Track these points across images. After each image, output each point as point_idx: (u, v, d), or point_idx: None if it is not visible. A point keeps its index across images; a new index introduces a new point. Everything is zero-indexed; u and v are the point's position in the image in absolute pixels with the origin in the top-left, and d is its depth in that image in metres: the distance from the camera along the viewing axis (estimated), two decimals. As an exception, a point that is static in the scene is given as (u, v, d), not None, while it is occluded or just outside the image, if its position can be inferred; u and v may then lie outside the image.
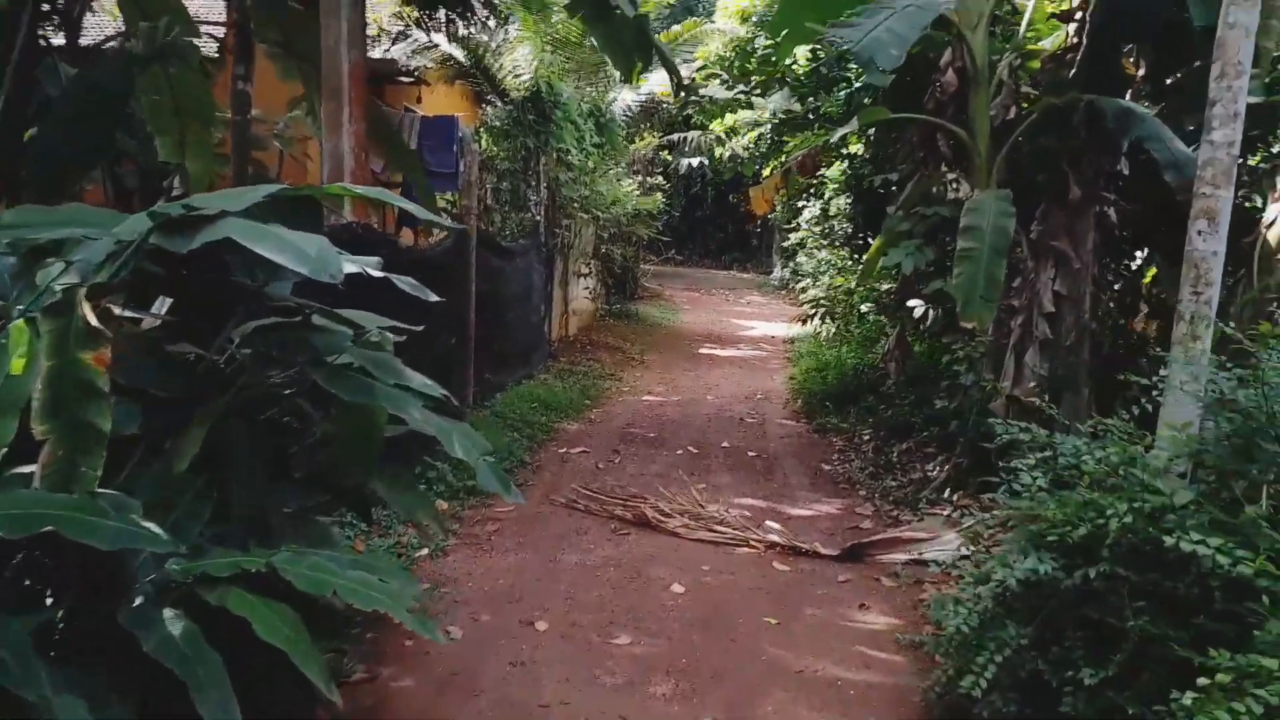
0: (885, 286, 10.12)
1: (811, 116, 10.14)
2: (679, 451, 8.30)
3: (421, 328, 4.02)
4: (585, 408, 10.03)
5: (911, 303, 7.25)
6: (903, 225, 6.99)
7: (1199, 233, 4.84)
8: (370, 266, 3.26)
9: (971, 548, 5.63)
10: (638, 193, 15.20)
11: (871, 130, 9.59)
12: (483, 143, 12.85)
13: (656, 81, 17.07)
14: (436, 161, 12.69)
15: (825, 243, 17.52)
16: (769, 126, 17.16)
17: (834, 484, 7.46)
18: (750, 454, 8.33)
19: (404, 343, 3.82)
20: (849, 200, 10.99)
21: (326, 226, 5.84)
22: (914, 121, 7.46)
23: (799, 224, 18.39)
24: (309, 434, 3.74)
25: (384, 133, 8.72)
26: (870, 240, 8.99)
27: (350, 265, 3.13)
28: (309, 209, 3.81)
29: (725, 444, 8.67)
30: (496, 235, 12.27)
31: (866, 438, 8.64)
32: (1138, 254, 7.85)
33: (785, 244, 20.72)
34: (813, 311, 15.75)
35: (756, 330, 18.35)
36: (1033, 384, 6.55)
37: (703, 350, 15.30)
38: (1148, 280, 7.84)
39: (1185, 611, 3.21)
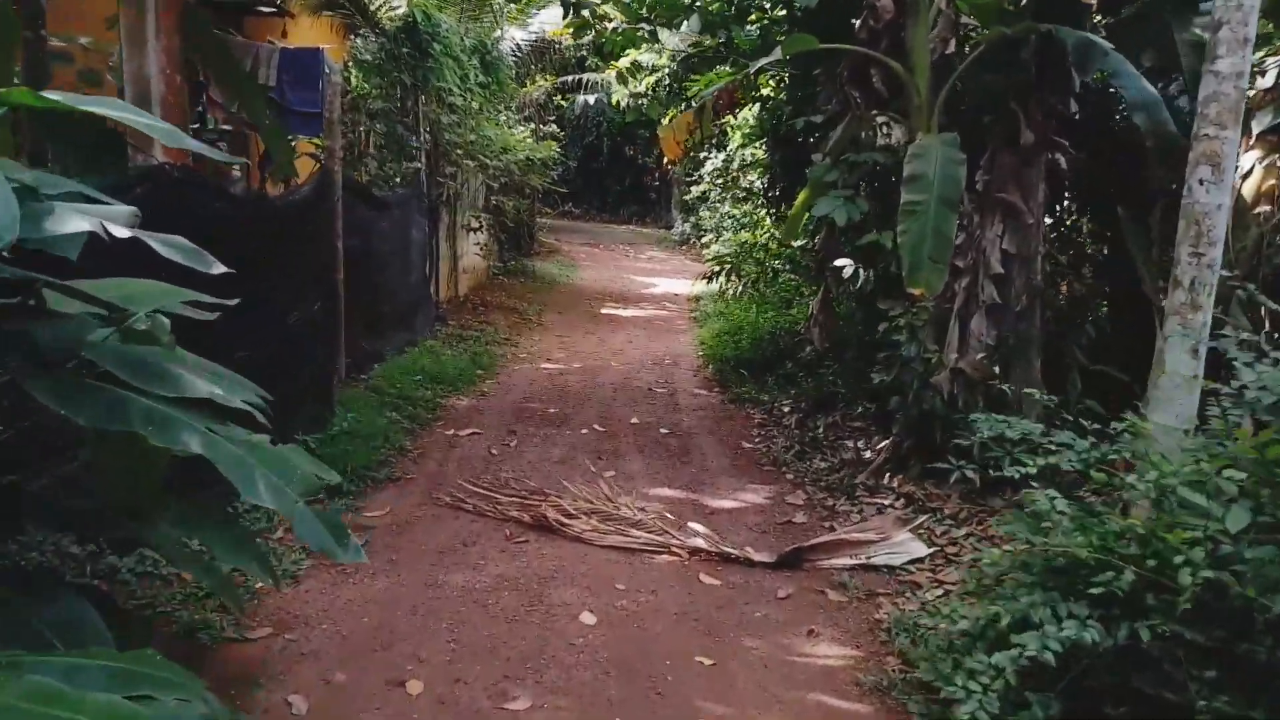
0: (800, 243, 9.26)
1: (724, 50, 9.11)
2: (583, 431, 7.30)
3: (236, 301, 2.85)
4: (477, 379, 8.91)
5: (839, 262, 6.38)
6: (830, 174, 6.08)
7: (1200, 182, 4.04)
8: (115, 222, 2.10)
9: (927, 550, 4.85)
10: (530, 140, 13.94)
11: (786, 71, 8.65)
12: (352, 79, 11.38)
13: (548, 19, 15.75)
14: (299, 100, 11.22)
15: (728, 196, 16.66)
16: (668, 69, 16.13)
17: (758, 466, 6.59)
18: (663, 431, 7.40)
19: (261, 309, 2.67)
20: (765, 148, 10.03)
21: (132, 167, 4.56)
22: (843, 54, 6.53)
23: (701, 176, 17.43)
24: (59, 463, 2.59)
25: (224, 64, 7.36)
26: (790, 193, 8.08)
27: (76, 221, 1.98)
28: (106, 144, 2.63)
29: (634, 420, 7.70)
30: (375, 184, 10.92)
31: (787, 409, 7.81)
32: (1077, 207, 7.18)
33: (687, 197, 19.75)
34: (717, 269, 14.93)
35: (659, 288, 17.41)
36: (980, 354, 5.79)
37: (604, 310, 14.27)
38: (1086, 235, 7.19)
39: (1266, 684, 2.41)
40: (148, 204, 2.68)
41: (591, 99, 21.51)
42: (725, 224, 16.40)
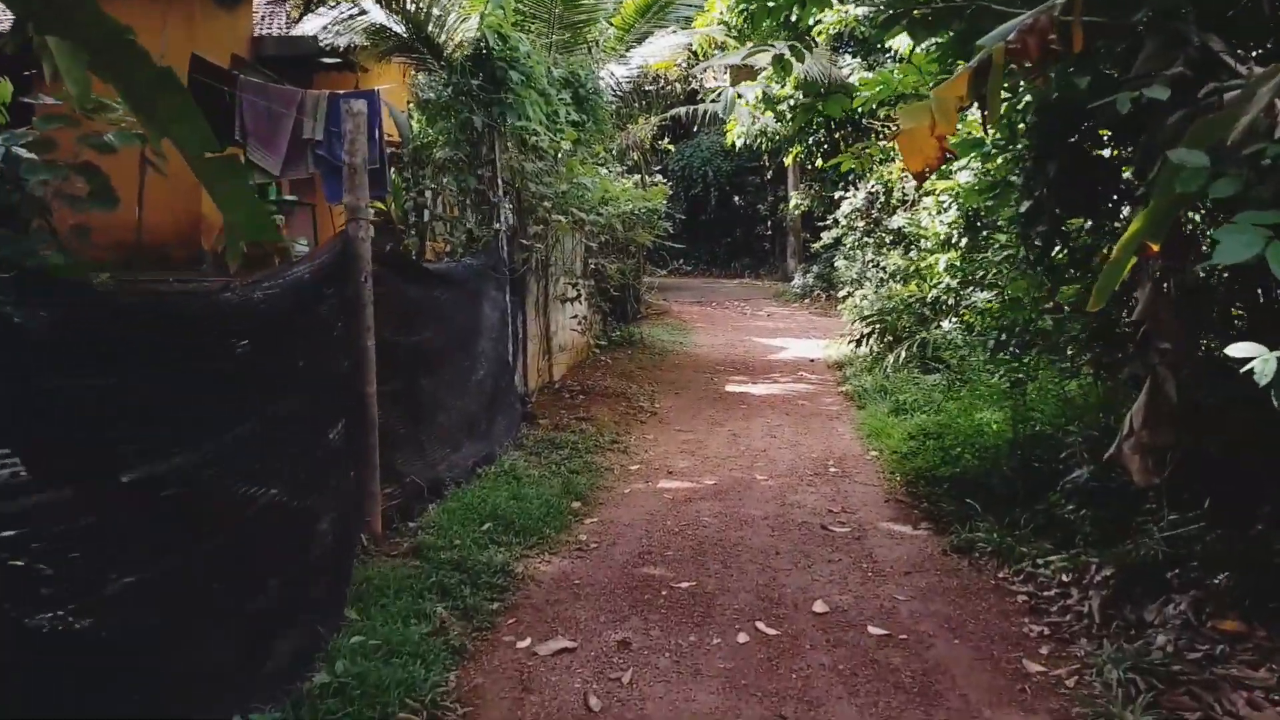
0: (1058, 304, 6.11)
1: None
2: (740, 636, 4.33)
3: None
4: (571, 520, 6.08)
5: (1240, 350, 3.32)
6: (1225, 184, 3.08)
7: None
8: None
9: None
10: (634, 189, 11.31)
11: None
12: (414, 124, 8.96)
13: (649, 52, 13.19)
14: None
15: (870, 241, 13.61)
16: (798, 94, 13.30)
17: (1073, 725, 3.51)
18: (874, 631, 4.35)
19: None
20: (1020, 159, 6.65)
21: None
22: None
23: (836, 219, 14.44)
24: None
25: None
26: (1059, 230, 5.01)
27: None
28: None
29: (818, 605, 4.68)
30: (451, 252, 8.37)
31: (1065, 577, 4.70)
32: None
33: (817, 244, 16.74)
34: (868, 330, 11.87)
35: (788, 351, 14.41)
36: None
37: (730, 388, 11.34)
38: None
39: None
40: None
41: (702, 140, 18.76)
42: (869, 274, 13.33)
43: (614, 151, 12.68)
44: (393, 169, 9.23)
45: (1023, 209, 4.97)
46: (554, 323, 10.29)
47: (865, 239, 13.74)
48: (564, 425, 8.50)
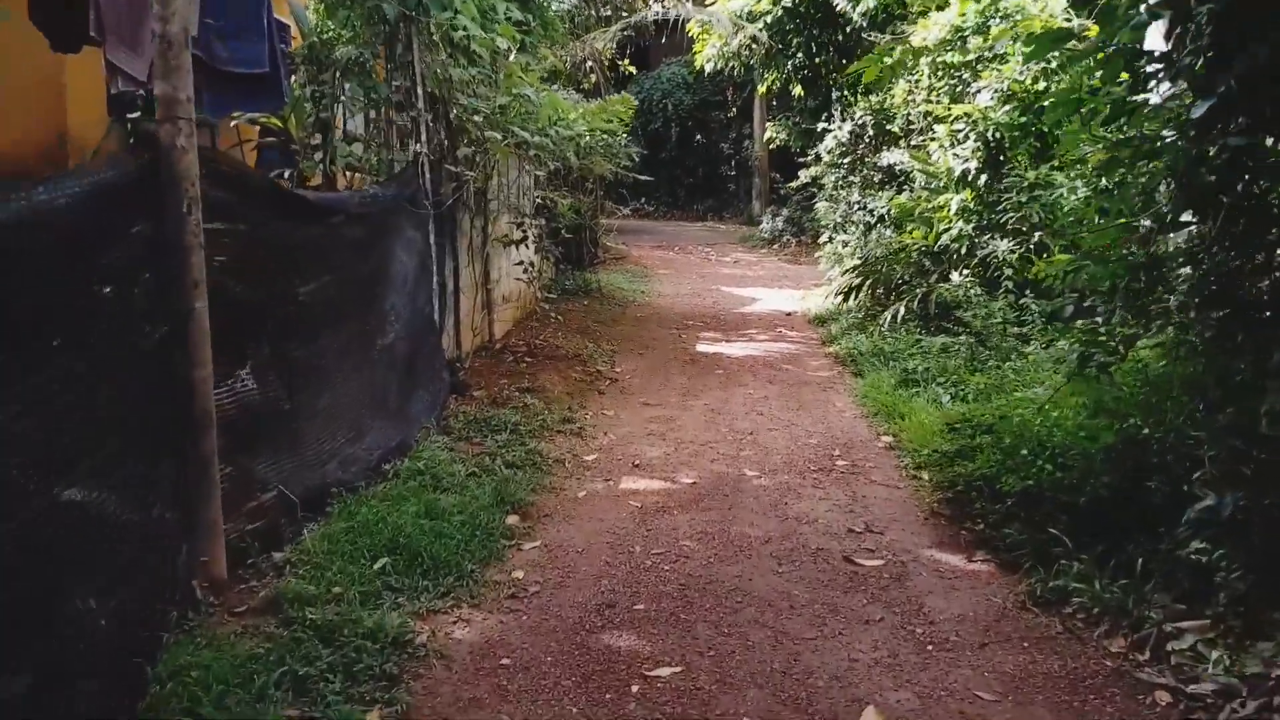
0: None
1: None
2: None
3: None
4: (503, 547, 4.36)
5: None
6: None
7: None
8: None
9: None
10: (593, 109, 9.39)
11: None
12: (311, 13, 6.98)
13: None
14: (237, 56, 6.93)
15: (856, 179, 11.90)
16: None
17: None
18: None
19: None
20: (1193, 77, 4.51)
21: None
22: None
23: (818, 155, 12.68)
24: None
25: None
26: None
27: None
28: None
29: (868, 714, 3.08)
30: (377, 183, 6.48)
31: (1221, 662, 3.15)
32: None
33: (792, 184, 14.96)
34: (857, 281, 10.25)
35: (761, 303, 12.75)
36: None
37: (702, 347, 9.65)
38: None
39: None
40: None
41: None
42: (855, 217, 11.65)
43: (567, 65, 10.71)
44: (293, 75, 7.27)
45: (1195, 112, 3.26)
46: (495, 269, 8.47)
47: (850, 178, 12.02)
48: (504, 398, 6.76)
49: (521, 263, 8.74)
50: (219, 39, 6.78)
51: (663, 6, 13.99)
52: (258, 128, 6.88)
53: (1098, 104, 4.10)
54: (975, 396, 6.49)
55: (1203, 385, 3.83)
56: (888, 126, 11.37)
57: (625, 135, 11.25)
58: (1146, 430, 4.05)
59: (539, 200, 9.52)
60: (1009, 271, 7.55)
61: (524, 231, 8.65)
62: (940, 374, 7.16)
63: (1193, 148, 3.42)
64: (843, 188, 12.10)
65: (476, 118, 6.38)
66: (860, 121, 11.62)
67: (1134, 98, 3.87)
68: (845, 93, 13.31)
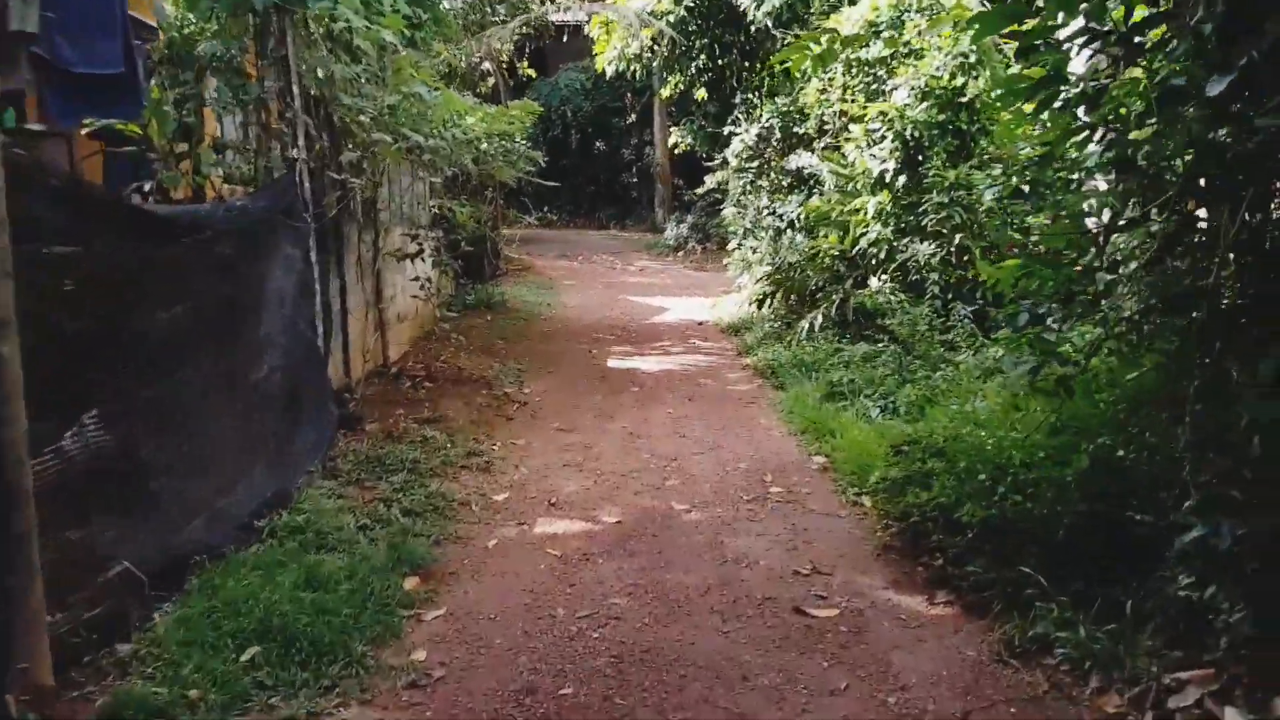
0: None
1: None
2: None
3: None
4: (400, 620, 3.67)
5: None
6: None
7: None
8: None
9: None
10: (493, 112, 8.67)
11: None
12: (170, 5, 6.12)
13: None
14: (83, 56, 6.13)
15: (763, 185, 11.55)
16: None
17: None
18: None
19: None
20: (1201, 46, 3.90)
21: None
22: None
23: (725, 159, 12.27)
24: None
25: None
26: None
27: None
28: None
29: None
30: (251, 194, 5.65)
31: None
32: None
33: (699, 190, 14.53)
34: (771, 289, 9.88)
35: (671, 312, 12.29)
36: None
37: (614, 362, 9.08)
38: None
39: None
40: None
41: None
42: (764, 222, 11.27)
43: (463, 66, 9.98)
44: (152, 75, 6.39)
45: (1213, 89, 2.81)
46: (389, 286, 7.70)
47: (758, 182, 11.66)
48: (401, 431, 6.02)
49: (418, 278, 7.99)
50: (64, 36, 5.90)
51: (560, 4, 13.37)
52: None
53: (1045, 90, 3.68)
54: (907, 409, 6.12)
55: (1180, 399, 3.46)
56: (795, 129, 11.05)
57: (526, 142, 10.61)
58: (1121, 452, 3.66)
59: (435, 210, 8.78)
60: (934, 276, 7.23)
61: (420, 244, 7.90)
62: (867, 385, 6.78)
63: (1207, 130, 3.01)
64: (750, 193, 11.72)
65: (362, 118, 5.64)
66: (767, 124, 11.27)
67: (1096, 82, 3.47)
68: (750, 95, 12.98)
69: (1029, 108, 3.66)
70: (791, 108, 10.81)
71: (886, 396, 6.47)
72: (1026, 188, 6.06)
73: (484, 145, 8.95)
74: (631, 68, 13.45)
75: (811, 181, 10.61)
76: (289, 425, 5.19)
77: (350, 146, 6.10)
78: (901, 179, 7.80)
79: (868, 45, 8.13)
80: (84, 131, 5.90)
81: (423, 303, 8.32)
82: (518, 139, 9.28)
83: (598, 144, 23.32)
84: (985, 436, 4.44)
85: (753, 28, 12.10)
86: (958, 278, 7.44)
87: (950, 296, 7.33)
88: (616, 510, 4.98)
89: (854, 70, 8.60)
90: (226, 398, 4.46)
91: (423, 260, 8.02)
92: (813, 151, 10.29)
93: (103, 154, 6.23)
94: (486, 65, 11.47)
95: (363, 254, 6.97)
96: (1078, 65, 3.99)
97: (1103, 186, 4.70)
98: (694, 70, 13.41)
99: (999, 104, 4.27)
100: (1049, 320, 4.19)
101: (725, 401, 7.48)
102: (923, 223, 7.56)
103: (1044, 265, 4.24)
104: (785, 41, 10.51)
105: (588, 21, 14.17)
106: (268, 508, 4.53)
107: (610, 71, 13.66)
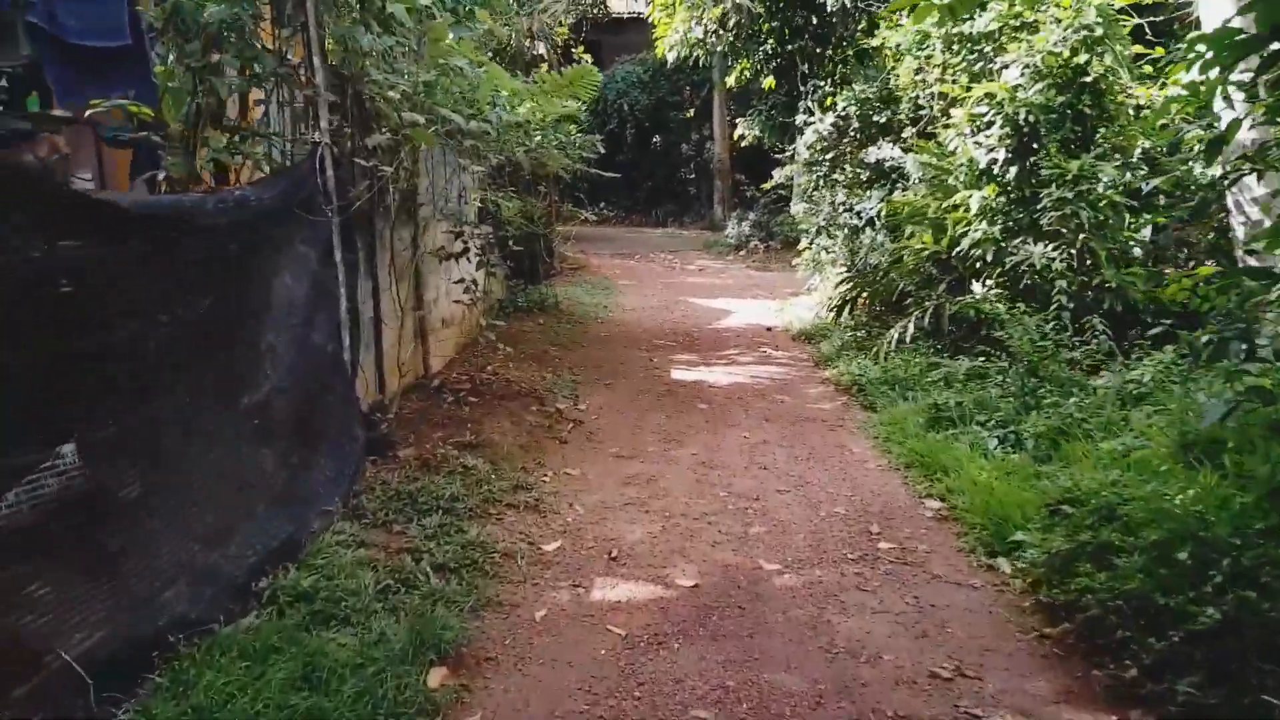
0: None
1: None
2: None
3: None
4: (421, 735, 2.80)
5: None
6: None
7: None
8: None
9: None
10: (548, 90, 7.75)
11: None
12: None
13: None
14: (81, 27, 5.35)
15: (838, 179, 10.50)
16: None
17: None
18: None
19: None
20: None
21: None
22: None
23: (793, 153, 11.22)
24: None
25: None
26: None
27: None
28: None
29: None
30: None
31: None
32: None
33: (766, 185, 13.47)
34: (852, 293, 8.84)
35: (736, 316, 11.30)
36: None
37: (678, 373, 8.12)
38: None
39: None
40: None
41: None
42: (840, 220, 10.21)
43: (511, 41, 9.09)
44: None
45: None
46: (430, 289, 6.86)
47: (833, 176, 10.59)
48: (439, 459, 5.14)
49: (463, 280, 7.12)
50: (63, 2, 5.16)
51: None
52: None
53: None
54: (1035, 443, 5.07)
55: None
56: (875, 118, 9.97)
57: (580, 131, 9.72)
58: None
59: (480, 205, 7.91)
60: (1062, 284, 6.14)
61: (465, 243, 7.03)
62: (979, 410, 5.72)
63: None
64: (824, 188, 10.65)
65: (392, 93, 4.76)
66: (844, 113, 10.20)
67: None
68: (821, 83, 11.91)
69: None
70: (872, 94, 9.73)
71: (1005, 425, 5.41)
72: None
73: (536, 137, 8.08)
74: (694, 54, 12.45)
75: (894, 175, 9.54)
76: (304, 455, 4.34)
77: (381, 128, 5.23)
78: (1012, 170, 6.71)
79: (973, 17, 7.04)
80: (86, 114, 5.15)
81: (468, 307, 7.46)
82: (578, 118, 8.29)
83: (655, 139, 22.37)
84: (1166, 493, 3.38)
85: (827, 6, 11.03)
86: (1080, 284, 6.35)
87: (1073, 307, 6.24)
88: (692, 569, 4.03)
89: (956, 47, 7.50)
90: (217, 426, 3.61)
91: (468, 260, 7.15)
92: (896, 142, 9.21)
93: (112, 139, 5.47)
94: (541, 49, 10.57)
95: (399, 253, 6.12)
96: None
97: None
98: (761, 56, 12.37)
99: (1205, 64, 3.18)
100: (1258, 346, 3.15)
101: (807, 423, 6.47)
102: (1039, 221, 6.47)
103: (1255, 275, 3.20)
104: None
105: (644, 12, 13.21)
106: (271, 562, 3.67)
107: (671, 58, 12.68)
